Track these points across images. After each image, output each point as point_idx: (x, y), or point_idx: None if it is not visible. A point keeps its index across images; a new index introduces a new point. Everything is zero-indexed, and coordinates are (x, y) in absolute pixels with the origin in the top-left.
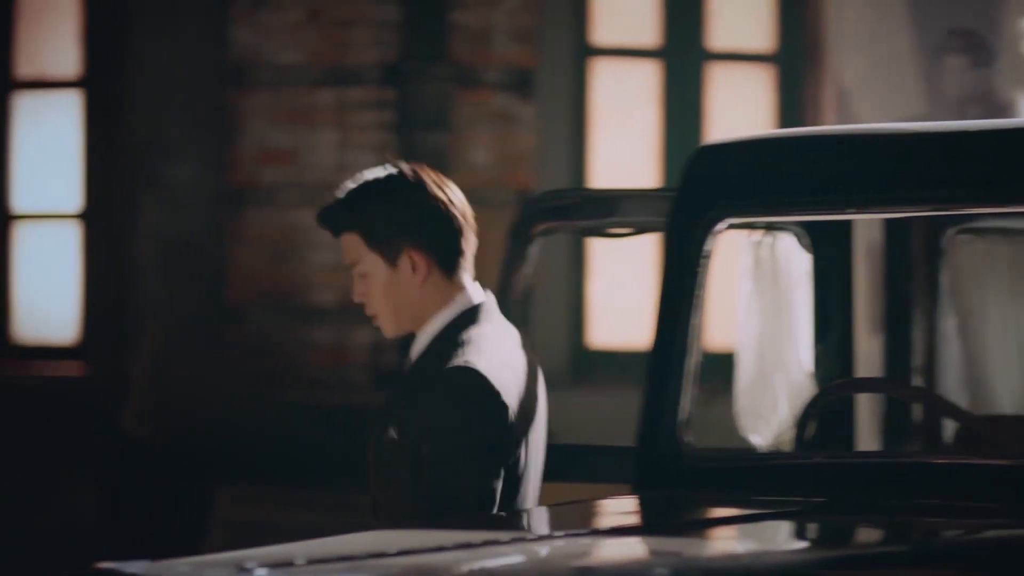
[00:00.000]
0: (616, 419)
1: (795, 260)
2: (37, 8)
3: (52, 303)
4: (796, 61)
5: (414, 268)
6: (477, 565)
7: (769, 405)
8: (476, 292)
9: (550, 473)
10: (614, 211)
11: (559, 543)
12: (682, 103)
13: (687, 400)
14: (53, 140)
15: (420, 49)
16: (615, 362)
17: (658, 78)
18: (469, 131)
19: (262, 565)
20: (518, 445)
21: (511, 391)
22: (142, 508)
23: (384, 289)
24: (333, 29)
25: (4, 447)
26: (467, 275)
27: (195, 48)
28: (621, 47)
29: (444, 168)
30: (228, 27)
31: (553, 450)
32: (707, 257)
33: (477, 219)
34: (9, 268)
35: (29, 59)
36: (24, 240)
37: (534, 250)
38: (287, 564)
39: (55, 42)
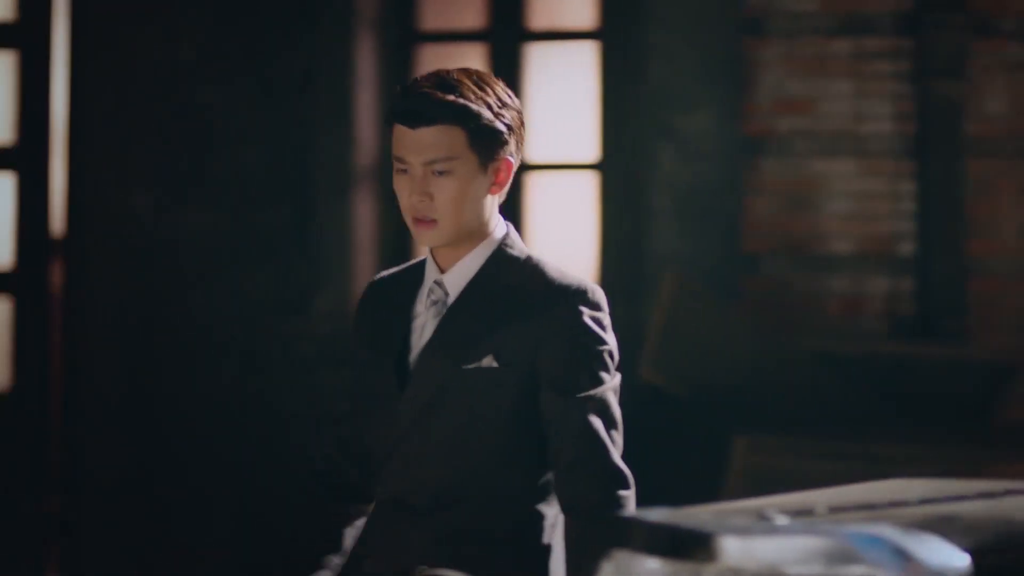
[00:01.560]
0: None
1: None
2: None
3: (568, 252)
4: None
5: (497, 178)
6: (999, 514)
7: None
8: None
9: None
10: None
11: None
12: None
13: None
14: (568, 91)
15: None
16: None
17: None
18: (985, 81)
19: (782, 513)
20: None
21: None
22: (660, 456)
23: (462, 194)
24: None
25: None
26: None
27: None
28: None
29: (958, 118)
30: None
31: None
32: None
33: (992, 169)
34: (525, 217)
35: (544, 10)
36: (541, 189)
37: None
38: (807, 512)
39: None
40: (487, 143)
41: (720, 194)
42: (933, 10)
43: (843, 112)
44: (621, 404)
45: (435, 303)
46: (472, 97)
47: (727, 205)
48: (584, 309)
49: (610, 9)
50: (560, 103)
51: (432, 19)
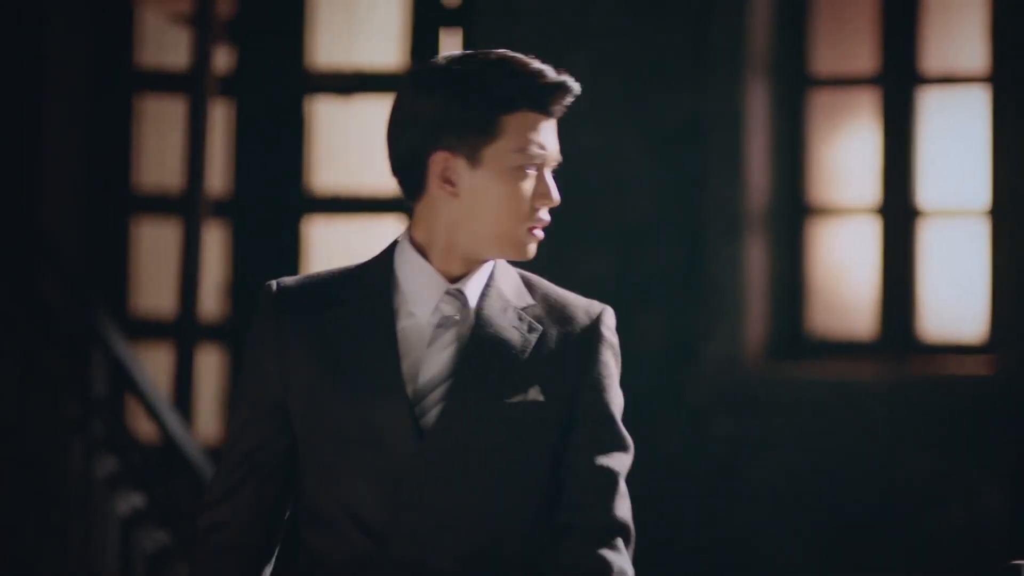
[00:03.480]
0: None
1: None
2: (944, 3)
3: (959, 300)
4: None
5: None
6: None
7: None
8: None
9: None
10: None
11: None
12: None
13: None
14: (960, 136)
15: None
16: None
17: None
18: None
19: None
20: None
21: None
22: None
23: None
24: None
25: (914, 443)
26: None
27: None
28: None
29: None
30: None
31: None
32: None
33: None
34: (916, 265)
35: (936, 54)
36: (931, 237)
37: None
38: None
39: (962, 37)
40: None
41: None
42: None
43: None
44: None
45: (452, 320)
46: None
47: None
48: (610, 341)
49: (1002, 53)
50: (952, 148)
51: (824, 63)
